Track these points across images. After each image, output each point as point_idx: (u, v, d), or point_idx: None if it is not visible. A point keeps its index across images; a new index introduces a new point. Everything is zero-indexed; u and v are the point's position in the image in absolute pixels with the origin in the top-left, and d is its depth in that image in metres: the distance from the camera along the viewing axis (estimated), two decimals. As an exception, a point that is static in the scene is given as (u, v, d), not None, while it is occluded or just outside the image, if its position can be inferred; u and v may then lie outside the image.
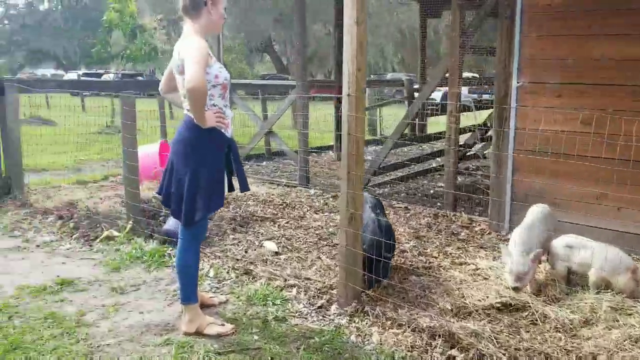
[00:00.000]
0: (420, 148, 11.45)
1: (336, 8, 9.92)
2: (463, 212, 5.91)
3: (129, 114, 4.95)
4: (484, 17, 5.72)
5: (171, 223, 4.93)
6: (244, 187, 3.57)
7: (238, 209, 5.99)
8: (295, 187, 7.34)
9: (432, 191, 7.42)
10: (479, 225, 5.49)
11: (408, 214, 6.01)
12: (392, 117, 14.89)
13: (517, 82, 5.05)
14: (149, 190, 6.66)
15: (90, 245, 5.09)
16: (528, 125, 5.00)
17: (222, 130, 3.33)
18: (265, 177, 8.19)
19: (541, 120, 4.91)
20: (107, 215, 5.72)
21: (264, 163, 9.71)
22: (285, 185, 7.47)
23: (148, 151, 7.04)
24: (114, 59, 12.67)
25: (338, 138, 9.96)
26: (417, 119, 12.23)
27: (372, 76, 32.04)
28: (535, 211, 4.14)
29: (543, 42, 4.91)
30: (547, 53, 4.89)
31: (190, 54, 3.08)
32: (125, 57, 12.95)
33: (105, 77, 28.68)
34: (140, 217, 5.23)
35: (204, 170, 3.29)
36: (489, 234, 5.25)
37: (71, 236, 5.32)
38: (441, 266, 4.35)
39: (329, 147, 10.53)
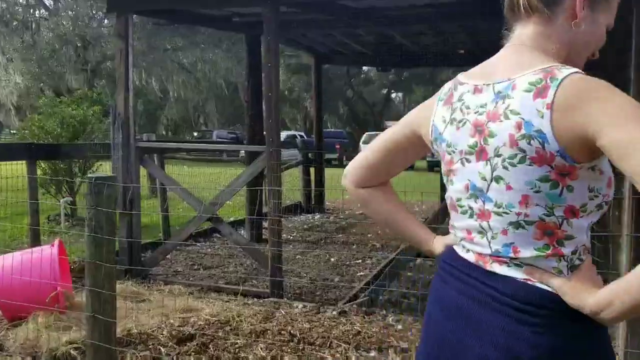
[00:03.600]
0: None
1: (248, 59, 8.00)
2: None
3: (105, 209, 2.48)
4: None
5: None
6: None
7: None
8: (260, 297, 5.10)
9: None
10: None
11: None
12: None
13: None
14: (46, 329, 3.98)
15: None
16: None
17: None
18: (204, 275, 5.77)
19: None
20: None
21: (199, 244, 7.28)
22: (244, 294, 5.17)
23: (36, 257, 4.30)
24: None
25: (252, 212, 7.80)
26: (313, 186, 10.60)
27: (195, 134, 29.74)
28: None
29: None
30: None
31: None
32: None
33: None
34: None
35: None
36: None
37: None
38: None
39: (239, 223, 8.31)
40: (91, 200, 2.41)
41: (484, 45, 7.97)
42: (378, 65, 7.30)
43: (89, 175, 2.55)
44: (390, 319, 4.52)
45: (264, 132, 8.33)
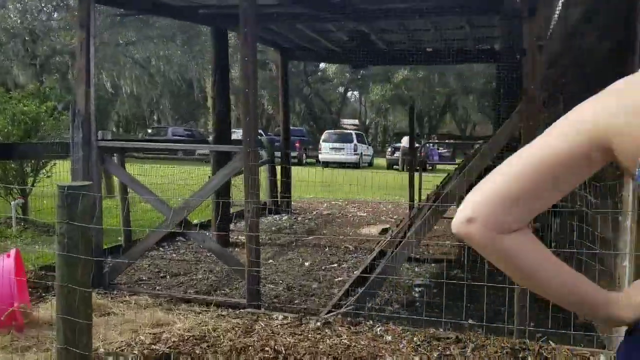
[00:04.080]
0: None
1: (215, 53, 7.60)
2: (551, 341, 4.11)
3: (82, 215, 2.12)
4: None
5: None
6: None
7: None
8: (235, 307, 4.76)
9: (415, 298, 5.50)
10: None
11: (464, 349, 4.00)
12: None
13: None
14: (2, 350, 3.56)
15: None
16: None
17: None
18: (171, 283, 5.38)
19: None
20: None
21: (162, 249, 6.83)
22: (217, 305, 4.81)
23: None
24: None
25: (219, 214, 7.42)
26: (280, 186, 10.25)
27: (149, 131, 28.88)
28: None
29: None
30: None
31: None
32: None
33: None
34: None
35: None
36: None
37: None
38: None
39: (203, 226, 7.90)
40: (64, 214, 2.05)
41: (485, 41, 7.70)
42: (349, 62, 7.06)
43: (59, 184, 2.18)
44: (378, 330, 4.26)
45: (233, 130, 8.00)
